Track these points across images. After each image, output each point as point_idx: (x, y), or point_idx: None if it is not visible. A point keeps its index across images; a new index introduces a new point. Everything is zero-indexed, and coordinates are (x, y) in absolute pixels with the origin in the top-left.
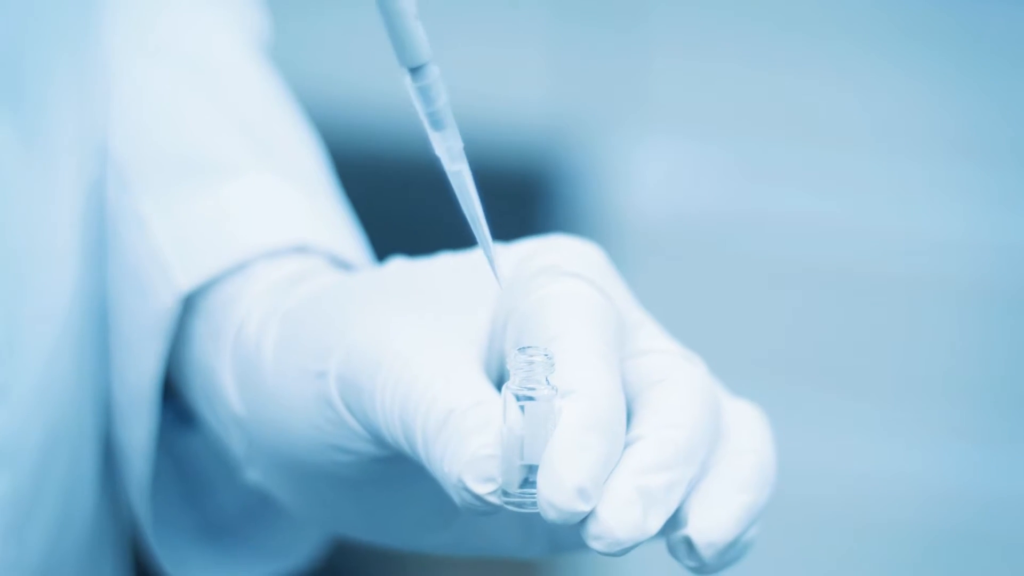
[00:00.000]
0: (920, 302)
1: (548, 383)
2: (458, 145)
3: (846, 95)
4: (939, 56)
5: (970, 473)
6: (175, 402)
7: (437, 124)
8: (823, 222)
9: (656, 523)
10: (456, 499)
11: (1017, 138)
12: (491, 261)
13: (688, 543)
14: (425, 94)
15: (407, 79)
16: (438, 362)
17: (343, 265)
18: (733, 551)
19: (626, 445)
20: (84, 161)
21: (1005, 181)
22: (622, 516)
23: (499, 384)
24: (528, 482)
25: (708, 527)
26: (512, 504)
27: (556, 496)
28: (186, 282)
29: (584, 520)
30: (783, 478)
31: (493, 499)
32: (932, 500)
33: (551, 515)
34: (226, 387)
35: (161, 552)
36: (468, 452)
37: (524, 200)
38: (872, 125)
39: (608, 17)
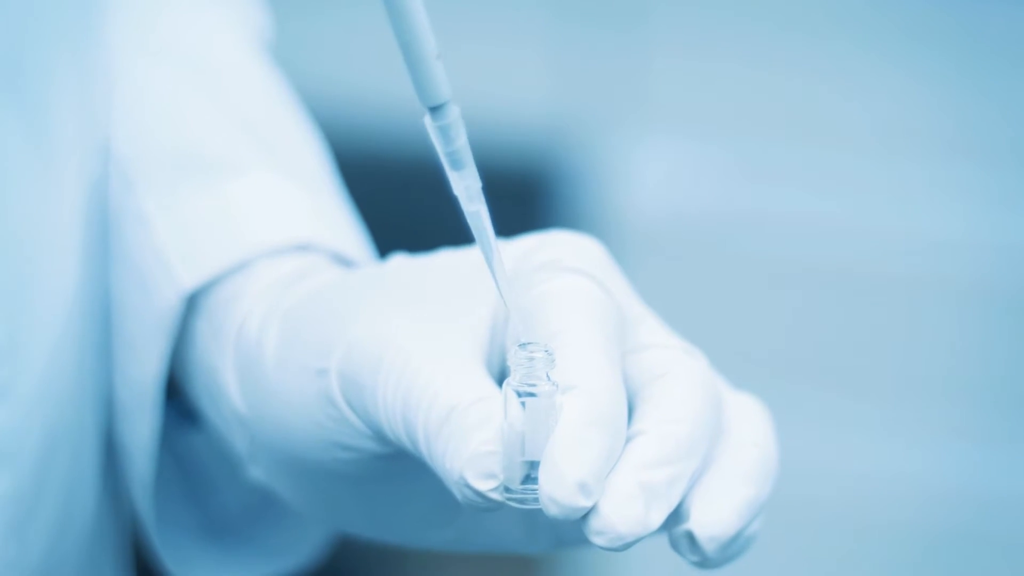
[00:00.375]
0: (920, 302)
1: (549, 379)
2: (476, 185)
3: (846, 95)
4: (939, 56)
5: (970, 473)
6: (178, 401)
7: (456, 164)
8: (823, 222)
9: (658, 518)
10: (458, 496)
11: (1017, 138)
12: (508, 303)
13: (690, 537)
14: (444, 133)
15: (427, 118)
16: (439, 358)
17: (346, 262)
18: (735, 545)
19: (628, 440)
20: (86, 160)
21: (1005, 181)
22: (624, 511)
23: (500, 380)
24: (530, 478)
25: (710, 521)
26: (514, 500)
27: (558, 492)
28: (189, 280)
29: (586, 515)
30: (783, 478)
31: (495, 495)
32: (932, 500)
33: (553, 511)
34: (228, 385)
35: (164, 551)
36: (469, 449)
37: (524, 200)
38: (872, 125)
39: (608, 17)
